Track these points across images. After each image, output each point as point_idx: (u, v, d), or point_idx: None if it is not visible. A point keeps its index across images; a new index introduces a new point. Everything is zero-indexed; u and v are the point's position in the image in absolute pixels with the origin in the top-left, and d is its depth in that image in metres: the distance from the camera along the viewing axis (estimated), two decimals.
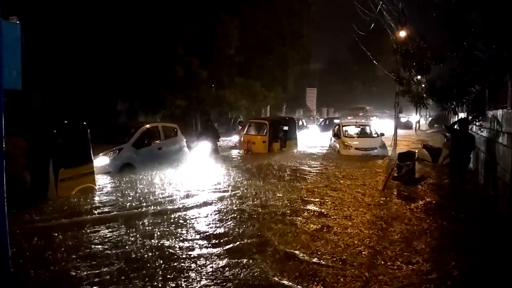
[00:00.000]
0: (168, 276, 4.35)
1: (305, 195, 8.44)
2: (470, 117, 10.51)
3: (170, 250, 5.09)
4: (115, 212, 6.81)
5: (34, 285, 4.11)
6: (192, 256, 4.94)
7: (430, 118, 43.60)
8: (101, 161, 9.61)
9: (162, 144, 12.02)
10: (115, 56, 15.07)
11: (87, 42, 14.00)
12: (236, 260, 4.77)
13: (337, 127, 18.29)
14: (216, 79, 23.23)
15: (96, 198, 7.82)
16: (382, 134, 17.07)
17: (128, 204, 7.39)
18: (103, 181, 9.03)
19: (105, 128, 11.92)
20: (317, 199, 8.11)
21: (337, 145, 16.74)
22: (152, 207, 7.20)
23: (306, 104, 48.28)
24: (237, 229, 6.00)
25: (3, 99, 2.29)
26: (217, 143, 15.76)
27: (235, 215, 6.84)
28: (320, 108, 54.37)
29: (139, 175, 10.13)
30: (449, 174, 9.60)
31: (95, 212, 6.86)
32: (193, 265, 4.64)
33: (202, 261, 4.75)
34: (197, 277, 4.34)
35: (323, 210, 7.26)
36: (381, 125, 27.08)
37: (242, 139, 17.90)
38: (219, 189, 9.03)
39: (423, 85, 13.51)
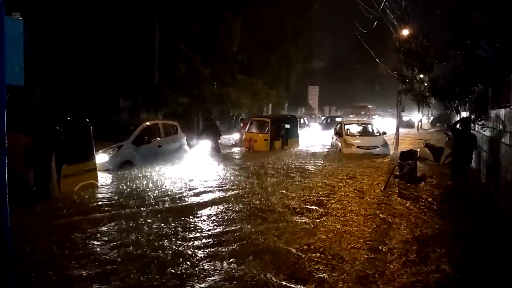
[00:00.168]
0: (169, 274, 4.35)
1: (306, 193, 8.44)
2: (473, 116, 10.47)
3: (171, 250, 5.09)
4: (115, 211, 6.78)
5: (36, 283, 4.10)
6: (192, 255, 4.93)
7: (433, 117, 43.52)
8: (100, 158, 9.56)
9: (162, 142, 11.98)
10: (117, 53, 15.09)
11: (90, 39, 14.01)
12: (238, 260, 4.75)
13: (339, 125, 18.26)
14: (218, 77, 23.22)
15: (98, 195, 7.83)
16: (384, 133, 17.03)
17: (128, 202, 7.39)
18: (102, 179, 9.01)
19: (105, 125, 11.81)
20: (318, 197, 8.10)
21: (339, 144, 16.72)
22: (152, 205, 7.20)
23: (308, 102, 48.20)
24: (238, 228, 5.98)
25: (5, 95, 2.29)
26: (218, 141, 15.75)
27: (235, 213, 6.83)
28: (322, 107, 54.28)
29: (138, 172, 10.12)
30: (451, 175, 9.57)
31: (97, 209, 6.86)
32: (193, 265, 4.64)
33: (203, 261, 4.73)
34: (198, 277, 4.33)
35: (323, 208, 7.25)
36: (383, 123, 27.03)
37: (243, 137, 17.89)
38: (220, 186, 9.02)
39: (425, 84, 13.48)
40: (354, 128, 17.66)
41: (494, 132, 8.45)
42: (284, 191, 8.64)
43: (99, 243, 5.24)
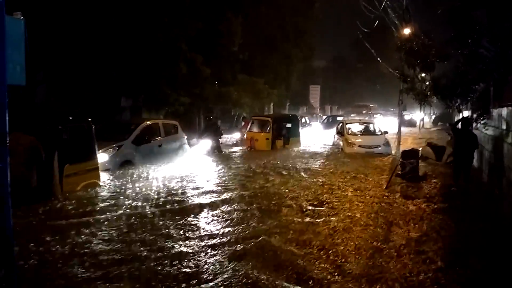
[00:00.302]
0: (172, 275, 4.35)
1: (308, 193, 8.43)
2: (474, 115, 10.45)
3: (174, 250, 5.09)
4: (117, 211, 6.79)
5: (38, 282, 4.11)
6: (197, 256, 4.92)
7: (434, 116, 43.48)
8: (100, 158, 9.54)
9: (162, 141, 11.97)
10: (118, 52, 15.08)
11: (91, 38, 14.01)
12: (239, 260, 4.74)
13: (340, 124, 18.24)
14: (220, 76, 23.22)
15: (100, 195, 7.83)
16: (386, 132, 17.00)
17: (130, 201, 7.40)
18: (103, 178, 8.98)
19: (104, 124, 11.73)
20: (319, 197, 8.09)
21: (341, 143, 16.70)
22: (154, 205, 7.21)
23: (309, 101, 48.20)
24: (240, 228, 5.96)
25: (7, 95, 2.29)
26: (219, 141, 15.74)
27: (237, 213, 6.82)
28: (323, 106, 54.27)
29: (139, 172, 10.11)
30: (452, 174, 9.48)
31: (99, 209, 6.86)
32: (197, 265, 4.64)
33: (207, 262, 4.72)
34: (202, 278, 4.32)
35: (325, 207, 7.24)
36: (385, 122, 26.96)
37: (245, 136, 17.90)
38: (220, 185, 9.03)
39: (427, 83, 13.48)
40: (356, 127, 17.64)
41: (496, 131, 8.43)
42: (286, 190, 8.64)
43: (102, 243, 5.23)
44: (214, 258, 4.79)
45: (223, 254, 4.91)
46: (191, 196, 8.03)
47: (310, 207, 7.24)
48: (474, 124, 10.04)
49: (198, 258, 4.77)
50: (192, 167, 11.43)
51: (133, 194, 7.91)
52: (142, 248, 5.04)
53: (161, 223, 6.14)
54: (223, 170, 11.31)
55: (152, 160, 11.13)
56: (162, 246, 5.14)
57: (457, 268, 4.64)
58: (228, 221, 6.30)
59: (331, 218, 6.57)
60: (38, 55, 11.00)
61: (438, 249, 5.25)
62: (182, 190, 8.53)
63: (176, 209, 7.00)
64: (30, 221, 5.91)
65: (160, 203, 7.33)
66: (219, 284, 4.12)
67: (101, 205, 7.11)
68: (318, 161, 13.49)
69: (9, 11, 2.58)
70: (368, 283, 4.22)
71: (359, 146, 15.77)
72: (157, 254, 4.84)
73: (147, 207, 7.02)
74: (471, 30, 8.21)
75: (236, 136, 21.87)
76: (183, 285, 4.09)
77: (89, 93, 15.19)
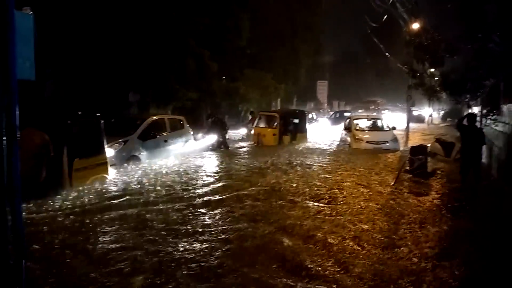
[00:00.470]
0: (183, 271, 4.36)
1: (316, 188, 8.40)
2: (484, 111, 10.35)
3: (183, 247, 5.12)
4: (127, 206, 6.81)
5: (45, 278, 4.14)
6: (209, 253, 4.94)
7: (443, 112, 43.06)
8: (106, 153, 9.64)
9: (168, 137, 12.01)
10: (127, 48, 15.15)
11: (99, 34, 14.09)
12: (245, 258, 4.73)
13: (348, 120, 18.16)
14: (227, 72, 23.24)
15: (109, 189, 7.90)
16: (394, 128, 16.89)
17: (139, 197, 7.45)
18: (110, 173, 9.05)
19: (111, 119, 11.46)
20: (327, 192, 8.08)
21: (348, 139, 16.63)
22: (162, 201, 7.24)
23: (317, 97, 48.05)
24: (246, 225, 5.94)
25: (17, 89, 2.31)
26: (226, 136, 15.74)
27: (245, 209, 6.82)
28: (331, 101, 54.08)
29: (145, 167, 10.18)
30: (460, 171, 9.25)
31: (108, 203, 6.90)
32: (205, 261, 4.65)
33: (218, 259, 4.70)
34: (206, 275, 4.32)
35: (333, 203, 7.23)
36: (393, 118, 26.84)
37: (252, 132, 17.91)
38: (228, 181, 9.04)
39: (436, 78, 13.35)
40: (364, 123, 17.54)
41: (506, 127, 8.33)
42: (294, 184, 8.66)
43: (111, 238, 5.26)
44: (225, 255, 4.78)
45: (232, 251, 4.90)
46: (198, 191, 8.05)
47: (317, 203, 7.24)
48: (483, 120, 9.92)
49: (207, 255, 4.78)
50: (198, 162, 11.47)
51: (140, 189, 7.96)
52: (151, 245, 5.06)
53: (171, 217, 6.14)
54: (228, 165, 11.33)
55: (158, 155, 11.19)
56: (172, 242, 5.11)
57: (465, 266, 4.60)
58: (233, 218, 6.30)
59: (338, 214, 6.56)
60: (46, 50, 11.08)
61: (446, 247, 5.21)
62: (189, 185, 8.56)
63: (186, 204, 6.97)
64: (39, 215, 5.98)
65: (169, 198, 7.36)
66: (233, 282, 4.10)
67: (109, 199, 7.17)
68: (325, 157, 13.45)
69: (18, 6, 2.60)
70: (372, 278, 4.21)
71: (367, 142, 15.69)
72: (167, 249, 4.85)
73: (155, 203, 7.06)
74: (481, 25, 8.12)
75: (242, 131, 21.87)
76: (191, 284, 4.11)
77: (97, 88, 15.29)
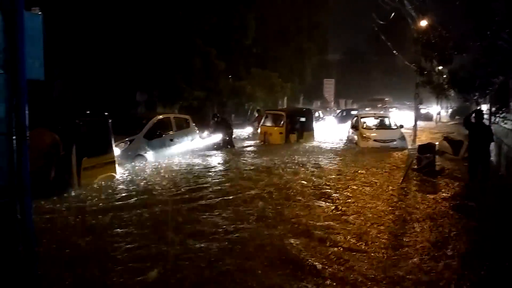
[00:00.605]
0: (191, 272, 4.38)
1: (322, 187, 8.39)
2: (493, 109, 10.25)
3: (196, 246, 5.13)
4: (136, 205, 6.84)
5: (58, 278, 4.17)
6: (214, 250, 4.95)
7: (451, 110, 42.68)
8: None
9: (174, 136, 12.04)
10: (134, 47, 15.22)
11: (106, 34, 14.16)
12: (251, 256, 4.74)
13: (355, 118, 18.06)
14: (234, 70, 23.25)
15: (117, 188, 7.95)
16: (402, 126, 16.77)
17: (148, 196, 7.49)
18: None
19: (117, 119, 11.65)
20: (334, 191, 8.06)
21: (355, 137, 16.56)
22: (170, 200, 7.26)
23: (323, 95, 47.85)
24: (251, 225, 5.89)
25: (26, 89, 2.34)
26: (232, 135, 15.74)
27: (253, 209, 6.78)
28: (337, 100, 53.80)
29: (151, 166, 10.22)
30: (468, 170, 9.15)
31: (117, 203, 6.95)
32: (216, 260, 4.66)
33: (226, 258, 4.70)
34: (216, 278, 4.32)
35: (340, 202, 7.21)
36: (401, 116, 26.61)
37: (259, 130, 17.91)
38: (234, 180, 9.04)
39: (444, 76, 13.24)
40: (371, 121, 17.44)
41: None
42: (302, 181, 8.67)
43: (120, 237, 5.26)
44: (233, 254, 4.78)
45: (240, 251, 4.89)
46: (205, 190, 8.07)
47: (324, 202, 7.22)
48: (492, 118, 9.82)
49: (218, 253, 4.78)
50: (204, 161, 11.49)
51: (149, 189, 8.00)
52: (162, 245, 5.08)
53: (180, 217, 6.12)
54: (236, 164, 11.34)
55: (164, 154, 11.23)
56: (182, 241, 5.10)
57: (472, 266, 4.56)
58: (241, 217, 6.30)
59: (345, 213, 6.54)
60: (54, 50, 11.17)
61: (454, 247, 5.15)
62: (197, 184, 8.58)
63: (195, 204, 6.96)
64: (48, 214, 6.03)
65: (177, 198, 7.38)
66: (239, 281, 4.11)
67: (118, 198, 7.22)
68: (332, 156, 13.41)
69: (27, 7, 2.62)
70: (379, 279, 4.19)
71: (374, 140, 15.61)
72: (176, 248, 4.85)
73: (162, 199, 7.10)
74: (490, 22, 8.03)
75: (248, 130, 21.86)
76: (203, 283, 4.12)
77: (105, 88, 15.38)
